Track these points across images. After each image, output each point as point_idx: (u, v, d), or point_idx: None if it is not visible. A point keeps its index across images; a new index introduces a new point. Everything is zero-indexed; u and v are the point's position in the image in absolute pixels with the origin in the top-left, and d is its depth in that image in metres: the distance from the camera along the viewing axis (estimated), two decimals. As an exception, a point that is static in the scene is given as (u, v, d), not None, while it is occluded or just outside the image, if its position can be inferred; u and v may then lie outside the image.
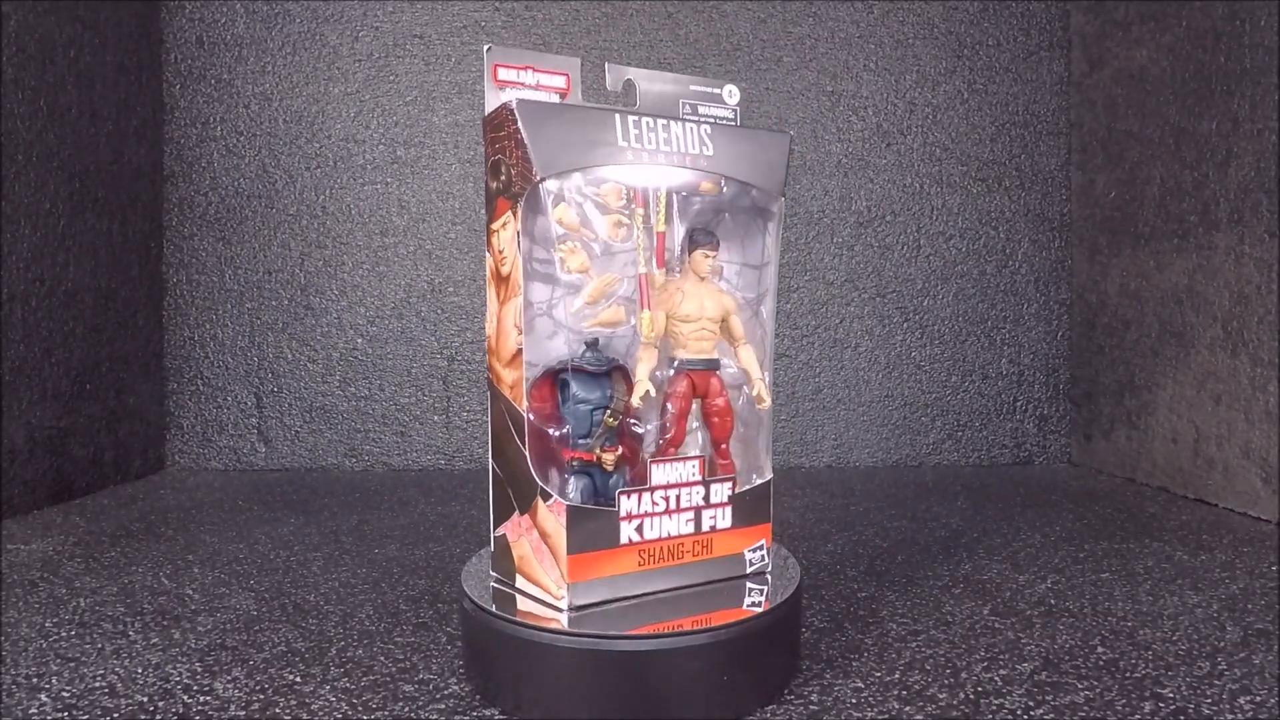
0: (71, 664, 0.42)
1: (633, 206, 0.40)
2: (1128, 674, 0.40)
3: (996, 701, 0.37)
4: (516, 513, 0.40)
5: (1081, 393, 0.95)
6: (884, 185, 0.97)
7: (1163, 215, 0.82)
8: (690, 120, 0.41)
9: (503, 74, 0.41)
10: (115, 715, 0.36)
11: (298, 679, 0.40)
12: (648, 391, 0.39)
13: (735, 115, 0.47)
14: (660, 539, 0.39)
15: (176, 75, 0.97)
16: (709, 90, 0.46)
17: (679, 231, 0.43)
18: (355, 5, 0.97)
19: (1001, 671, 0.40)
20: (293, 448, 0.97)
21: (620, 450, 0.40)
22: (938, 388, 0.97)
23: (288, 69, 0.97)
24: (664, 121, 0.40)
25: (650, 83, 0.45)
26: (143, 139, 0.93)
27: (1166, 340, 0.81)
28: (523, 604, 0.38)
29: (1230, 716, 0.36)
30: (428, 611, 0.49)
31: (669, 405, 0.41)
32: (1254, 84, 0.70)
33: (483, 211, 0.97)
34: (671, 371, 0.42)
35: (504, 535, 0.41)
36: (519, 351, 0.38)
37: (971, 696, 0.38)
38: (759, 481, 0.42)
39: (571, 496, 0.39)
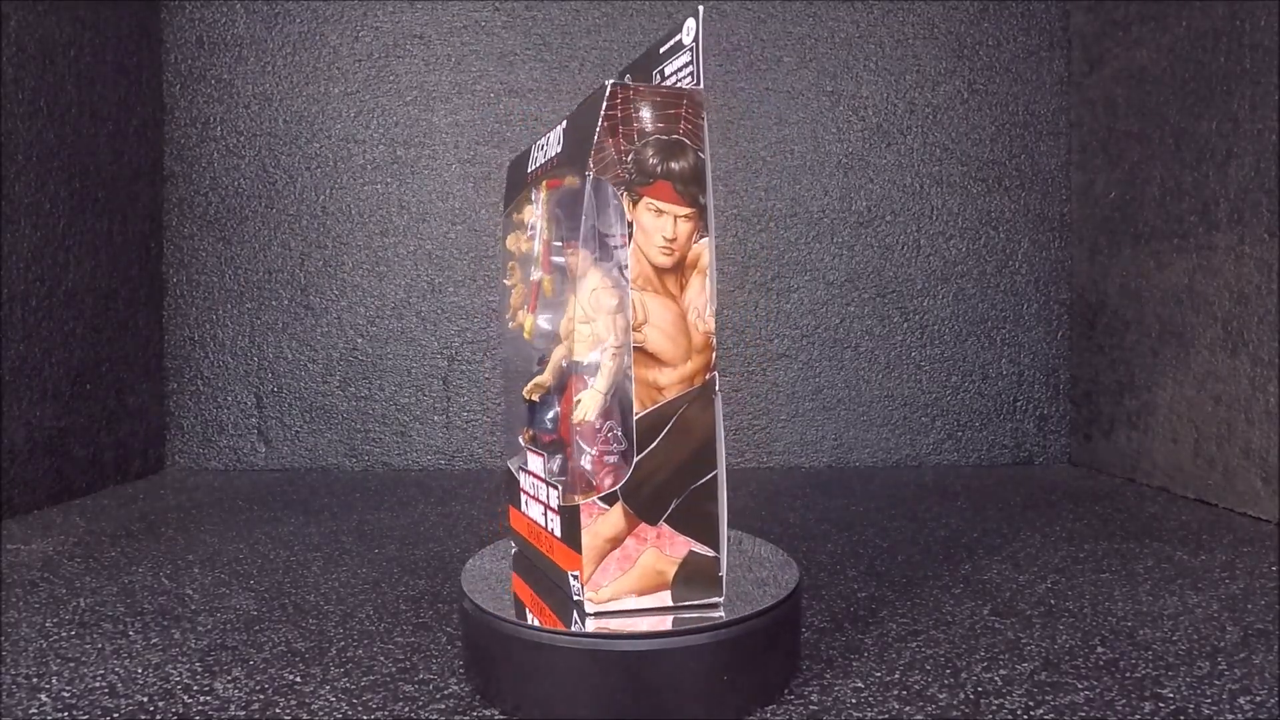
0: (71, 664, 0.42)
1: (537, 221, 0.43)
2: (1128, 674, 0.40)
3: (996, 701, 0.37)
4: None
5: (1081, 393, 0.95)
6: (884, 185, 0.97)
7: (1163, 215, 0.82)
8: (562, 124, 0.40)
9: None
10: (115, 715, 0.36)
11: (298, 679, 0.40)
12: (537, 383, 0.43)
13: (693, 56, 0.39)
14: (531, 520, 0.43)
15: (176, 75, 0.97)
16: (673, 44, 0.40)
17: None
18: (355, 5, 0.97)
19: (1001, 671, 0.40)
20: (293, 448, 0.97)
21: (530, 431, 0.44)
22: (938, 388, 0.97)
23: (288, 69, 0.97)
24: (550, 136, 0.42)
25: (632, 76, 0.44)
26: (143, 139, 0.93)
27: (1166, 340, 0.81)
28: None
29: (1230, 716, 0.36)
30: (428, 611, 0.49)
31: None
32: (1254, 84, 0.70)
33: (482, 212, 0.97)
34: None
35: None
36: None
37: (971, 696, 0.38)
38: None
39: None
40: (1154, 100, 0.83)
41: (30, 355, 0.76)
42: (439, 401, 0.97)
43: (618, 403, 0.37)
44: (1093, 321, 0.93)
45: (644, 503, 0.37)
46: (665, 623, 0.36)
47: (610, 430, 0.37)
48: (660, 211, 0.36)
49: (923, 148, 0.97)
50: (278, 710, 0.36)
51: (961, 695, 0.38)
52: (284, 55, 0.97)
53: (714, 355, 0.37)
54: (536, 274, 0.43)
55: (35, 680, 0.40)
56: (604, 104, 0.36)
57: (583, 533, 0.36)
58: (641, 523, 0.37)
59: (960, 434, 0.97)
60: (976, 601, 0.50)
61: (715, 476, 0.37)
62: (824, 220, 0.97)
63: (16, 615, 0.48)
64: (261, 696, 0.38)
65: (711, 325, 0.37)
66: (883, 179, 0.97)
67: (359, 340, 0.97)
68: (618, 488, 0.36)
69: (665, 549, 0.37)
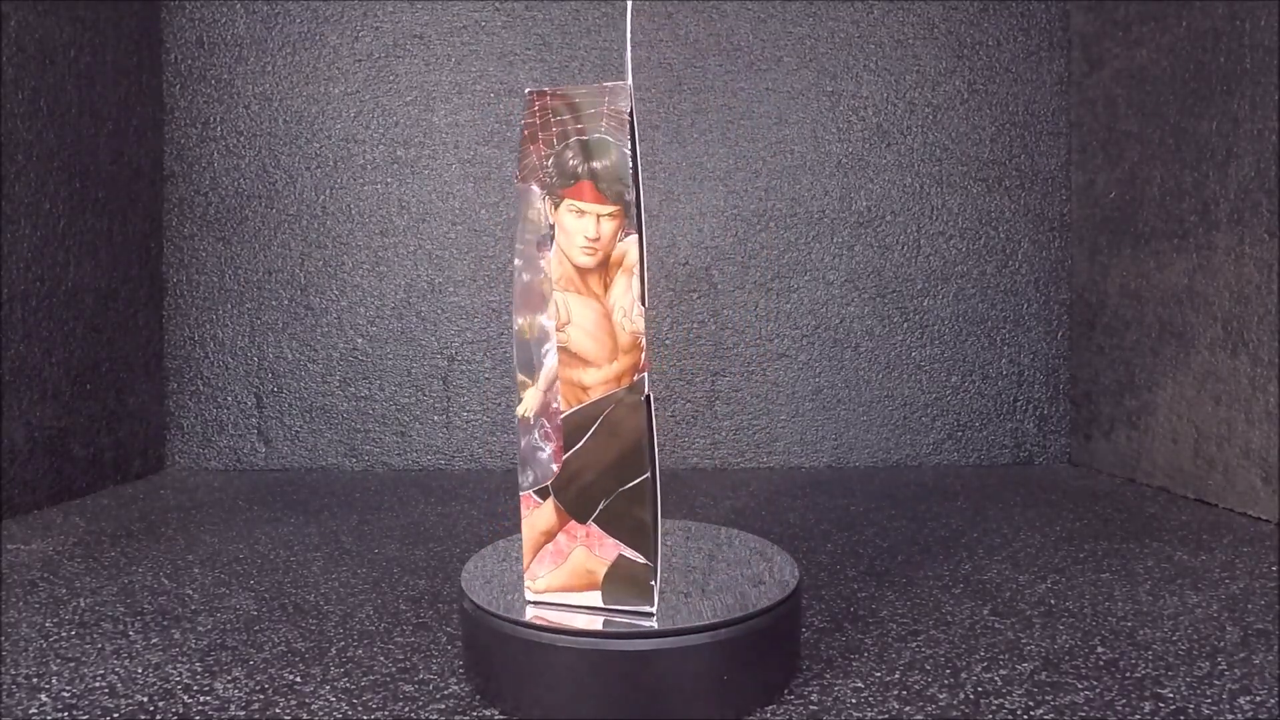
0: (71, 664, 0.42)
1: None
2: (1128, 674, 0.40)
3: (996, 701, 0.37)
4: None
5: (1081, 393, 0.95)
6: (884, 185, 0.97)
7: (1163, 215, 0.82)
8: None
9: None
10: (115, 715, 0.36)
11: (298, 679, 0.40)
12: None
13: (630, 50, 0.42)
14: None
15: (176, 75, 0.97)
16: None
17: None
18: (355, 5, 0.97)
19: (1001, 671, 0.40)
20: (293, 448, 0.97)
21: None
22: (938, 388, 0.97)
23: (288, 69, 0.97)
24: None
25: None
26: (143, 139, 0.93)
27: (1166, 340, 0.81)
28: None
29: (1230, 716, 0.36)
30: (428, 611, 0.49)
31: None
32: (1254, 84, 0.70)
33: (482, 212, 0.97)
34: None
35: None
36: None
37: (971, 696, 0.38)
38: None
39: None
40: (1154, 100, 0.83)
41: (30, 355, 0.76)
42: (439, 401, 0.97)
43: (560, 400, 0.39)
44: (1093, 321, 0.93)
45: (572, 500, 0.38)
46: (597, 623, 0.36)
47: (541, 427, 0.38)
48: (582, 212, 0.37)
49: (923, 148, 0.97)
50: (278, 710, 0.37)
51: (961, 695, 0.38)
52: (284, 55, 0.97)
53: (644, 355, 0.37)
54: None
55: (35, 680, 0.40)
56: (524, 112, 0.37)
57: (523, 523, 0.38)
58: (572, 520, 0.38)
59: (960, 434, 0.97)
60: (976, 601, 0.50)
61: (645, 481, 0.37)
62: (824, 220, 0.97)
63: (16, 615, 0.48)
64: (261, 696, 0.38)
65: (640, 325, 0.37)
66: (883, 179, 0.97)
67: (359, 340, 0.97)
68: (549, 483, 0.38)
69: (595, 549, 0.38)
